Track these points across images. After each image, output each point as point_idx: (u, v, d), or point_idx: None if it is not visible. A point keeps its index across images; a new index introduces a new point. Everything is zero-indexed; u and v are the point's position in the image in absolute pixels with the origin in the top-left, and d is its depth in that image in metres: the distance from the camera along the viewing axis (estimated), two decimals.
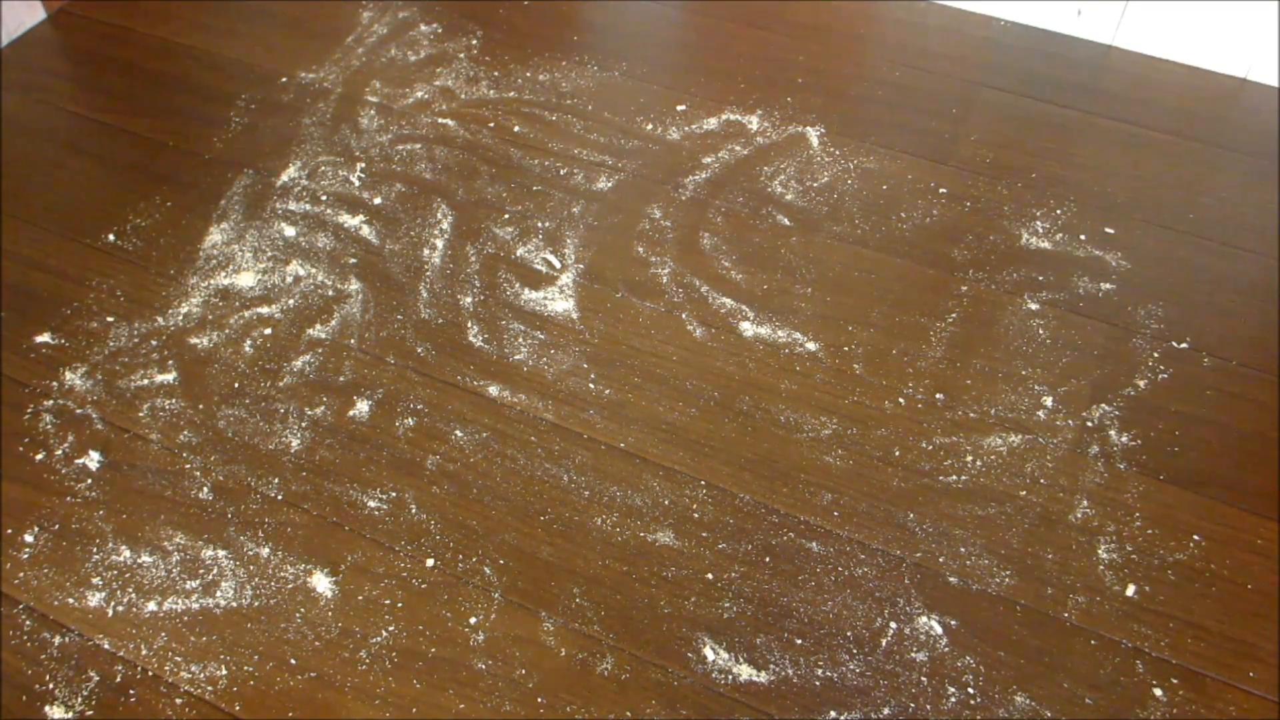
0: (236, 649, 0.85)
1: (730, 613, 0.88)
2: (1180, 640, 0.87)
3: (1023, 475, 0.97)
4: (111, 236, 1.16)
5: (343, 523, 0.93)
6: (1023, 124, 1.31)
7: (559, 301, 1.10)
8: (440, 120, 1.29)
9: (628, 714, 0.82)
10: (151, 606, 0.87)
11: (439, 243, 1.15)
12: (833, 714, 0.83)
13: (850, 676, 0.85)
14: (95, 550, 0.91)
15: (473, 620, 0.87)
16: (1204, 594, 0.90)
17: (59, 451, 0.97)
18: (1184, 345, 1.08)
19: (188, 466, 0.96)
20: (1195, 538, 0.93)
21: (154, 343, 1.06)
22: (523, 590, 0.89)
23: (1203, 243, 1.18)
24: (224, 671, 0.84)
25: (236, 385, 1.02)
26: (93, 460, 0.96)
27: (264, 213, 1.18)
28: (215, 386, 1.02)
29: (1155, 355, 1.07)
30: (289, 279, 1.12)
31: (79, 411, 1.00)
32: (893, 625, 0.88)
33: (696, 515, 0.94)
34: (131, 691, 0.83)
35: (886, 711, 0.83)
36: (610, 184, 1.22)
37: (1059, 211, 1.20)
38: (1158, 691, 0.84)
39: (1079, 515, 0.95)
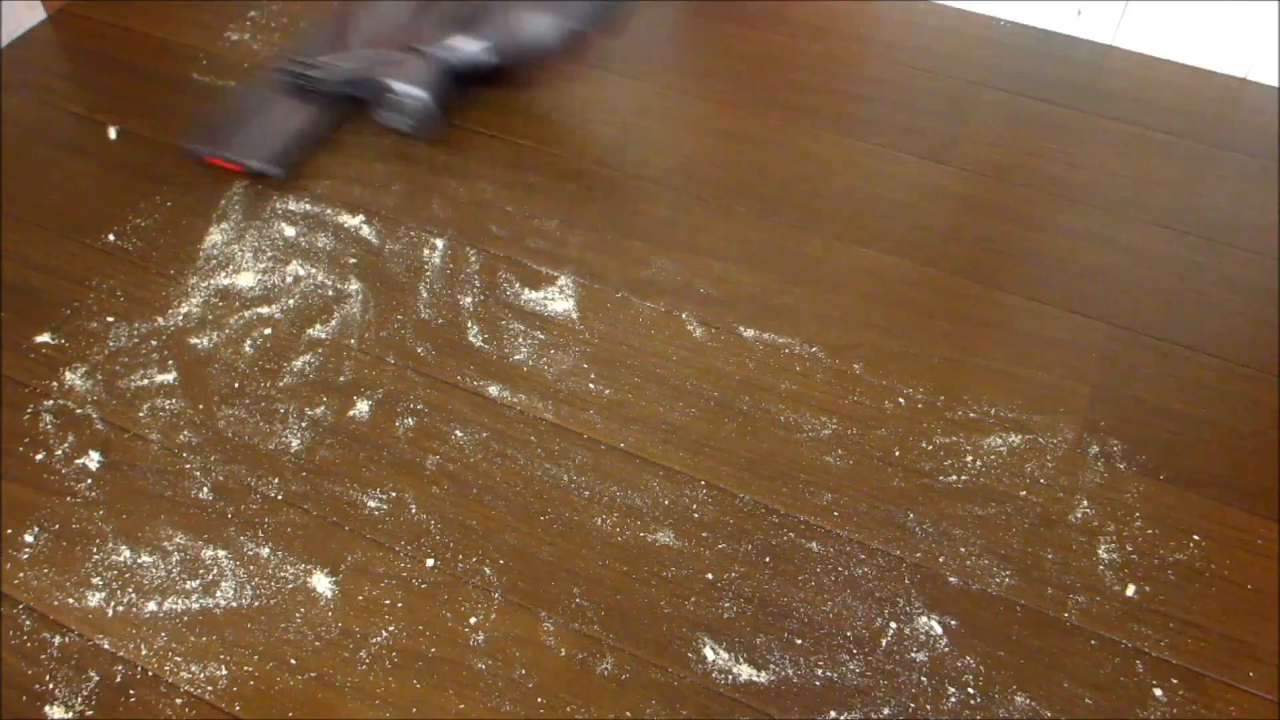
0: (236, 649, 0.85)
1: (730, 613, 0.88)
2: (1180, 640, 0.87)
3: (1023, 475, 0.97)
4: (111, 236, 1.16)
5: (343, 523, 0.93)
6: (1023, 124, 1.31)
7: (559, 301, 1.10)
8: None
9: (628, 714, 0.82)
10: (151, 606, 0.87)
11: (439, 243, 1.15)
12: (833, 714, 0.83)
13: (850, 676, 0.85)
14: (95, 550, 0.91)
15: (473, 620, 0.87)
16: (1204, 594, 0.90)
17: (59, 451, 0.97)
18: (1184, 345, 1.08)
19: (188, 466, 0.96)
20: (1195, 538, 0.93)
21: (154, 343, 1.06)
22: (523, 590, 0.89)
23: (1203, 243, 1.18)
24: (224, 671, 0.84)
25: (236, 385, 1.02)
26: (93, 460, 0.96)
27: (264, 213, 1.18)
28: (215, 386, 1.02)
29: (1155, 355, 1.07)
30: (289, 279, 1.12)
31: (79, 411, 1.00)
32: (893, 625, 0.88)
33: (696, 515, 0.94)
34: (131, 691, 0.83)
35: (886, 711, 0.83)
36: (610, 184, 1.22)
37: (1058, 211, 1.20)
38: (1158, 691, 0.84)
39: (1079, 515, 0.95)
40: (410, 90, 1.18)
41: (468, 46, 1.20)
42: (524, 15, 1.19)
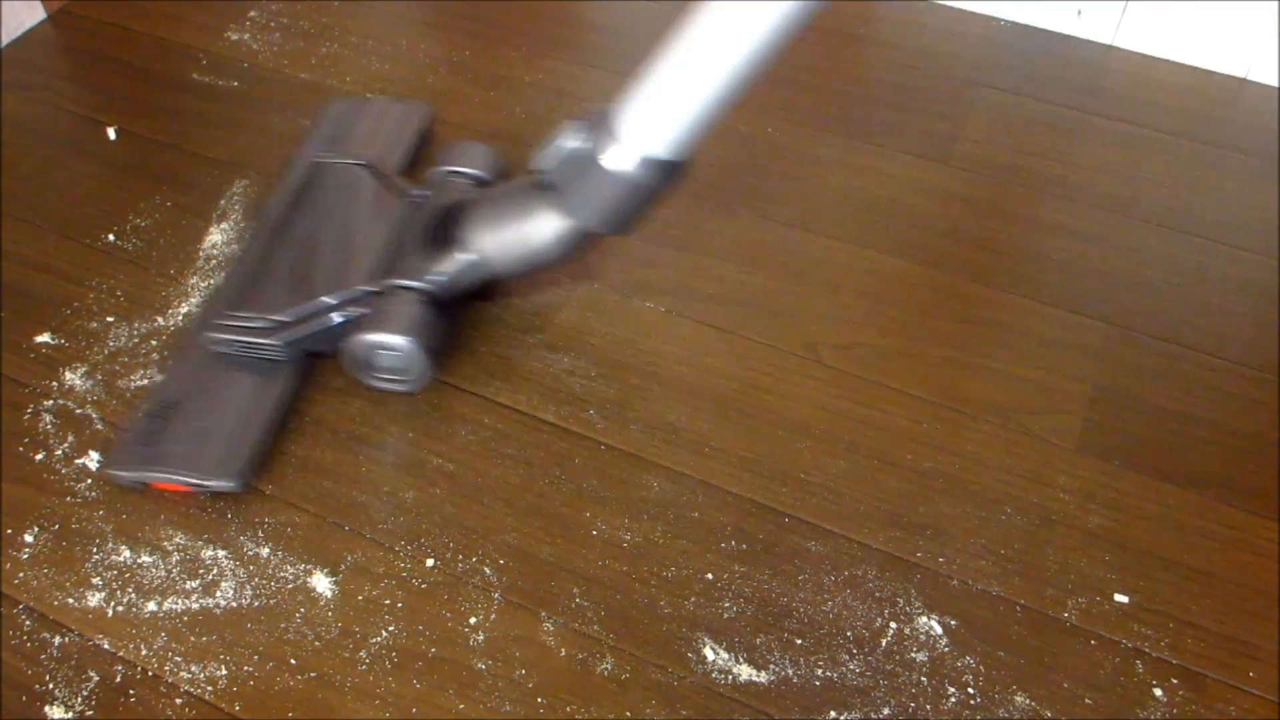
0: (236, 649, 0.85)
1: (730, 613, 0.88)
2: (1180, 640, 0.87)
3: (1023, 475, 0.97)
4: (111, 236, 1.16)
5: (343, 523, 0.93)
6: (1023, 124, 1.31)
7: (559, 300, 1.10)
8: (441, 119, 1.29)
9: (628, 714, 0.82)
10: (151, 606, 0.87)
11: None
12: (833, 714, 0.83)
13: (850, 676, 0.85)
14: (95, 550, 0.91)
15: (473, 620, 0.87)
16: (1204, 594, 0.90)
17: (59, 451, 0.97)
18: (1184, 345, 1.08)
19: None
20: (1195, 538, 0.93)
21: (154, 343, 1.06)
22: (523, 590, 0.89)
23: (1203, 243, 1.18)
24: (224, 671, 0.84)
25: None
26: (93, 460, 0.96)
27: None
28: None
29: (1155, 355, 1.07)
30: None
31: (79, 411, 1.00)
32: (893, 625, 0.88)
33: (696, 515, 0.94)
34: (131, 691, 0.83)
35: (886, 711, 0.83)
36: None
37: (1058, 211, 1.20)
38: (1158, 691, 0.84)
39: (1078, 515, 0.95)
40: (395, 340, 0.95)
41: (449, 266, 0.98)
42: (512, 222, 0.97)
